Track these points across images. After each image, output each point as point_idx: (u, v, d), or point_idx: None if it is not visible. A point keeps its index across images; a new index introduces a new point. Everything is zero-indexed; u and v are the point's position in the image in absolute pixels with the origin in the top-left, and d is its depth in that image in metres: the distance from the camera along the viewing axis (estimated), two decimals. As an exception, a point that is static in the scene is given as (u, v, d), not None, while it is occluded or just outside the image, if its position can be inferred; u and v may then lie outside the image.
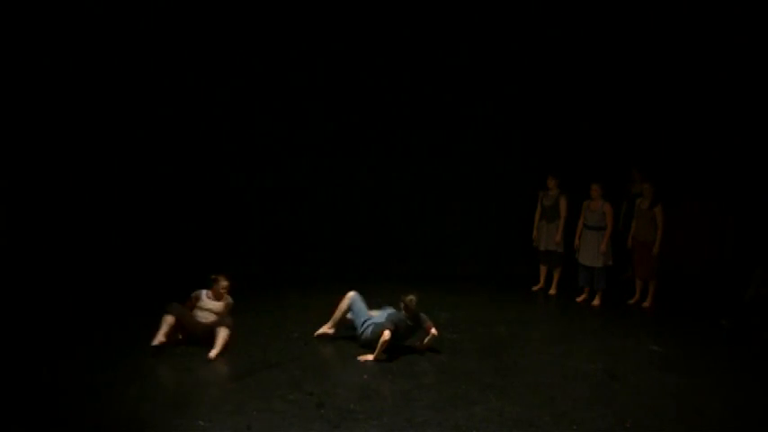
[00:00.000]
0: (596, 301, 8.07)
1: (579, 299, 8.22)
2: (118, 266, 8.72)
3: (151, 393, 5.12)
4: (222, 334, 5.90)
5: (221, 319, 6.05)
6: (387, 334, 5.84)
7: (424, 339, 6.18)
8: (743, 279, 7.49)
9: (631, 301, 8.14)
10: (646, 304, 8.01)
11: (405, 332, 6.12)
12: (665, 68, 9.10)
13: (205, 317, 6.14)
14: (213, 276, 6.34)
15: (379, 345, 5.87)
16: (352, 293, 6.43)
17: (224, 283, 6.30)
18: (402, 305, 6.12)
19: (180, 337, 6.13)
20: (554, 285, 8.56)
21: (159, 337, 5.84)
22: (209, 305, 6.24)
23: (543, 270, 8.69)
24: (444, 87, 9.48)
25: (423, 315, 6.19)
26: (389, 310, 6.22)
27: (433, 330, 6.10)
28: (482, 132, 9.60)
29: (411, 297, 6.10)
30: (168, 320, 5.93)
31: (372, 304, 6.52)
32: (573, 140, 9.43)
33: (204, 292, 6.34)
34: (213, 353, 5.82)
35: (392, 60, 9.37)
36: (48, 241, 8.49)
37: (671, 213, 8.02)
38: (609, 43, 9.10)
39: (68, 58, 8.49)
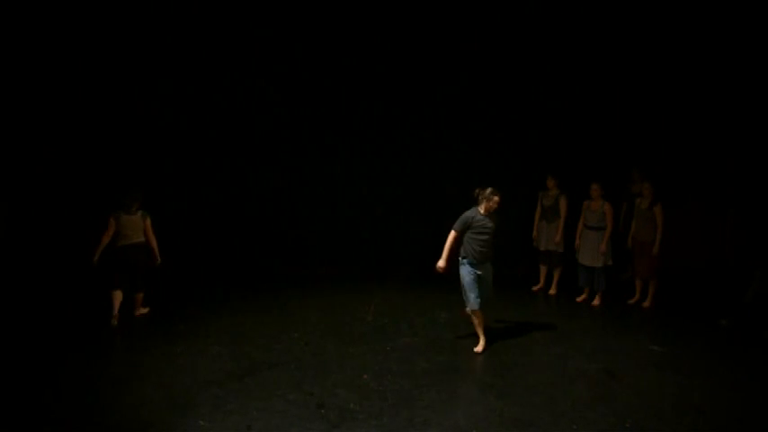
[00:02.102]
0: (596, 301, 8.06)
1: (579, 299, 8.22)
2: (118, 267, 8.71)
3: (151, 393, 5.12)
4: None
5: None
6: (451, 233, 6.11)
7: None
8: (743, 279, 7.49)
9: (631, 301, 8.14)
10: (646, 304, 8.01)
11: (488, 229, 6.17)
12: (664, 69, 9.10)
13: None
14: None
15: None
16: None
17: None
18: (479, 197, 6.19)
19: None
20: (554, 285, 8.56)
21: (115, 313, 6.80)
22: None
23: (543, 270, 8.69)
24: (443, 88, 9.48)
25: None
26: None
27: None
28: (482, 132, 9.60)
29: (485, 190, 6.18)
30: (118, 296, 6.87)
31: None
32: (573, 140, 9.43)
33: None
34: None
35: (390, 60, 9.37)
36: (48, 241, 8.49)
37: (671, 213, 8.01)
38: (609, 43, 9.10)
39: (68, 58, 8.49)
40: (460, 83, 9.46)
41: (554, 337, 6.85)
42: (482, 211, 6.18)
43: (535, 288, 8.70)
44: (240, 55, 9.16)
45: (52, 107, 8.54)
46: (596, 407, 5.05)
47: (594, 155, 9.23)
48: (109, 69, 8.74)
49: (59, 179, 8.68)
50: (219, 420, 4.67)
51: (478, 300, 6.18)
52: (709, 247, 9.26)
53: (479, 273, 6.20)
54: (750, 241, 8.52)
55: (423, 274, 9.16)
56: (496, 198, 6.16)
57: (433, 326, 7.05)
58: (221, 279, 8.81)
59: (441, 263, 6.13)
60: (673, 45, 8.94)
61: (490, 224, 6.18)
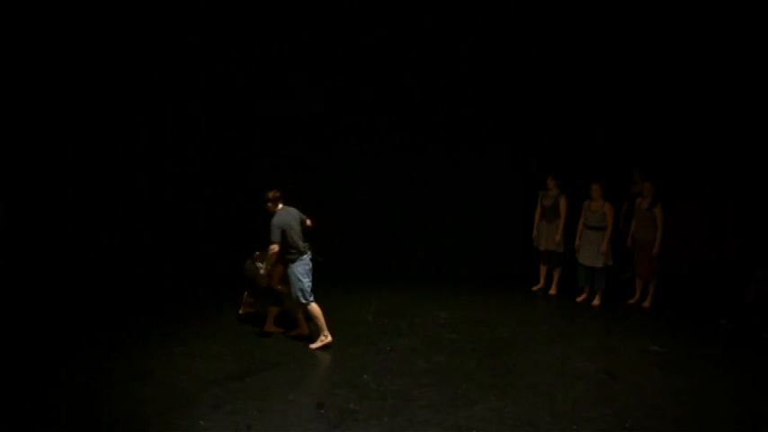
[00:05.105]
0: (596, 301, 8.06)
1: (579, 299, 8.22)
2: (118, 267, 8.72)
3: (151, 393, 5.13)
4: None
5: None
6: (273, 247, 6.12)
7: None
8: (743, 279, 7.49)
9: (631, 301, 8.13)
10: (646, 304, 8.01)
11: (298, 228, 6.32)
12: (664, 68, 9.09)
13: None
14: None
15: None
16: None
17: None
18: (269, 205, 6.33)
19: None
20: (554, 285, 8.56)
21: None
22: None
23: (543, 270, 8.68)
24: (444, 87, 9.47)
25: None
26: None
27: (308, 222, 6.47)
28: (482, 132, 9.59)
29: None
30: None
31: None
32: (573, 140, 9.42)
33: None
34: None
35: (391, 60, 9.36)
36: (48, 241, 8.49)
37: (671, 213, 8.00)
38: (609, 43, 9.09)
39: (68, 58, 8.49)
40: (461, 83, 9.45)
41: (554, 337, 6.85)
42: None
43: (535, 288, 8.69)
44: (240, 55, 9.17)
45: (51, 107, 8.54)
46: (596, 407, 5.05)
47: (594, 155, 9.22)
48: (110, 69, 8.74)
49: (58, 179, 8.68)
50: (219, 420, 4.67)
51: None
52: (710, 247, 9.25)
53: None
54: (750, 241, 8.52)
55: (423, 275, 9.20)
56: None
57: (433, 326, 7.05)
58: (221, 279, 8.80)
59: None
60: (672, 44, 8.93)
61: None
